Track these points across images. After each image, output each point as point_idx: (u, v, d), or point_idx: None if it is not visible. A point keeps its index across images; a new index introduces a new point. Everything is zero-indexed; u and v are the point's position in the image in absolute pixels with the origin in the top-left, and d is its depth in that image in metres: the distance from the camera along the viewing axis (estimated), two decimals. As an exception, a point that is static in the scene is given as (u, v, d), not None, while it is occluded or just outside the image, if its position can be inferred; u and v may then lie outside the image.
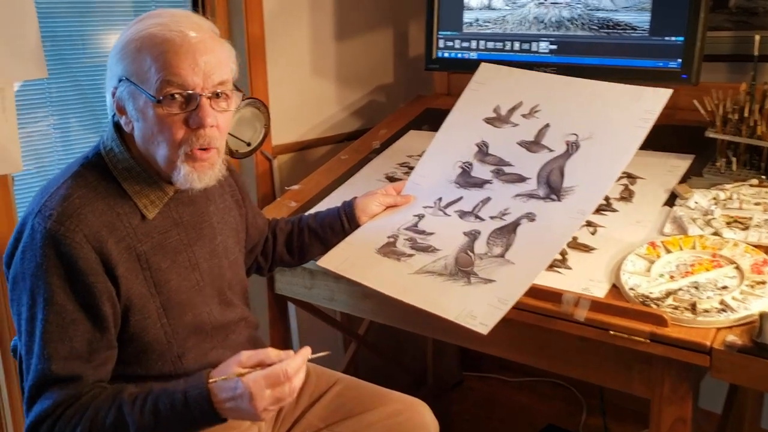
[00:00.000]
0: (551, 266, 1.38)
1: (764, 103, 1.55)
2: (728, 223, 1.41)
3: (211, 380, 1.09)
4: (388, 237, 1.52)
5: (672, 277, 1.30)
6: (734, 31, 1.90)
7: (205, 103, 1.16)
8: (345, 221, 1.56)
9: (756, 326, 1.14)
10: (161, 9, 1.23)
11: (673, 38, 1.71)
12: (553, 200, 1.46)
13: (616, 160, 1.43)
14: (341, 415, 1.43)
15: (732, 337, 1.15)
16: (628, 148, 1.42)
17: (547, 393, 2.56)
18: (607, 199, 1.57)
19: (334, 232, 1.55)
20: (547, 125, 1.59)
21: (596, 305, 1.27)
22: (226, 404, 1.08)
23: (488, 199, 1.54)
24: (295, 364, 1.10)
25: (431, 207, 1.58)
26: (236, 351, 1.32)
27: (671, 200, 1.54)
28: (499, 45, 1.97)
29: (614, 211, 1.54)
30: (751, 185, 1.51)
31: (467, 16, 2.02)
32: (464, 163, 1.63)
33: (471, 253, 1.42)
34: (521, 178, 1.54)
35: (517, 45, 1.94)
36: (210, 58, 1.16)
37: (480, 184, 1.58)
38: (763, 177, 1.54)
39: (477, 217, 1.51)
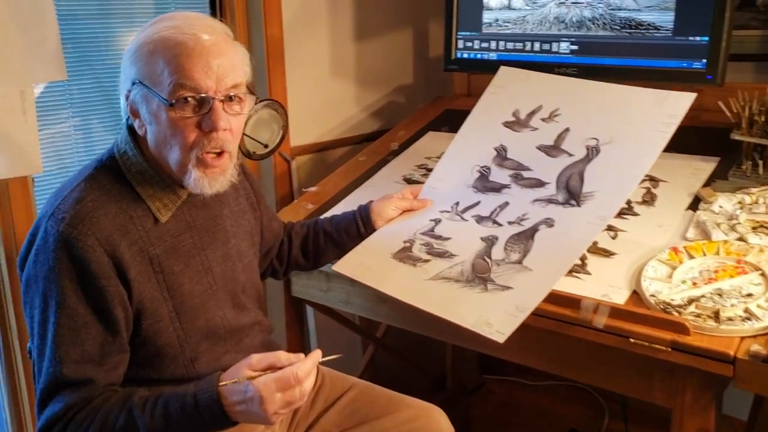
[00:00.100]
0: (570, 271, 1.35)
1: (792, 105, 1.52)
2: (754, 228, 1.38)
3: (221, 383, 1.09)
4: (404, 242, 1.51)
5: (695, 283, 1.28)
6: (761, 30, 1.86)
7: (218, 106, 1.16)
8: (361, 225, 1.55)
9: (782, 336, 1.11)
10: (175, 12, 1.23)
11: (698, 38, 1.68)
12: (573, 206, 1.43)
13: (637, 165, 1.40)
14: (356, 420, 1.42)
15: (756, 347, 1.12)
16: (649, 154, 1.39)
17: (569, 397, 2.53)
18: (628, 202, 1.54)
19: (349, 236, 1.54)
20: (567, 129, 1.56)
21: (616, 312, 1.24)
22: (236, 407, 1.07)
23: (506, 204, 1.52)
24: (305, 367, 1.09)
25: (448, 211, 1.56)
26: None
27: (695, 204, 1.51)
28: (519, 45, 1.94)
29: (636, 214, 1.52)
30: (778, 189, 1.48)
31: (487, 17, 1.99)
32: (482, 167, 1.61)
33: (488, 259, 1.39)
34: (540, 183, 1.51)
35: (537, 45, 1.91)
36: (223, 61, 1.16)
37: (498, 188, 1.56)
38: (791, 181, 1.50)
39: (494, 222, 1.49)
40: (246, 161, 2.04)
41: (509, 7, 1.95)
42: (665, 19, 1.71)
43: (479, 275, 1.37)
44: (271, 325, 1.44)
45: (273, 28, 2.07)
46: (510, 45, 1.96)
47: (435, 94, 2.38)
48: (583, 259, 1.39)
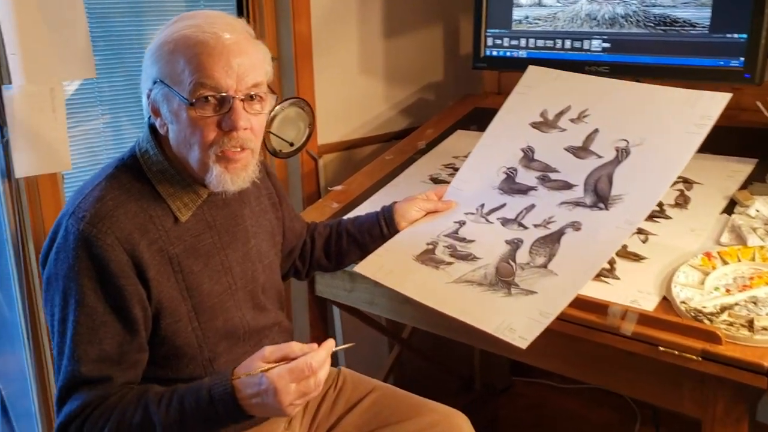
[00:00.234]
0: (598, 275, 1.33)
1: (834, 105, 1.46)
2: (792, 234, 1.33)
3: (235, 377, 1.08)
4: (427, 244, 1.49)
5: (728, 290, 1.24)
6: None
7: (238, 105, 1.15)
8: (384, 226, 1.54)
9: (818, 348, 1.06)
10: (196, 11, 1.22)
11: (735, 35, 1.62)
12: (600, 209, 1.40)
13: (669, 168, 1.36)
14: (377, 423, 1.40)
15: (792, 359, 1.08)
16: (681, 156, 1.35)
17: (599, 401, 2.49)
18: (660, 205, 1.51)
19: (372, 238, 1.53)
20: (596, 130, 1.53)
21: (644, 319, 1.21)
22: (251, 400, 1.07)
23: (532, 206, 1.49)
24: (319, 357, 1.08)
25: (473, 213, 1.54)
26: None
27: (730, 207, 1.47)
28: (550, 43, 1.90)
29: (668, 218, 1.48)
30: (818, 193, 1.42)
31: (517, 13, 1.96)
32: (509, 168, 1.58)
33: (512, 263, 1.37)
34: (567, 185, 1.48)
35: (568, 43, 1.87)
36: (244, 60, 1.15)
37: (524, 190, 1.53)
38: (832, 185, 1.45)
39: (520, 225, 1.46)
40: (264, 161, 2.04)
41: (540, 4, 1.91)
42: (701, 15, 1.66)
43: (503, 279, 1.34)
44: (292, 327, 1.43)
45: (301, 25, 2.06)
46: (540, 42, 1.92)
47: (465, 91, 2.36)
48: (611, 263, 1.36)
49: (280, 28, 2.07)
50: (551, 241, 1.39)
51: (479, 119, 2.05)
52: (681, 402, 1.24)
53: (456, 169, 1.70)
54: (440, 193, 1.62)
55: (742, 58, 1.61)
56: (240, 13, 1.81)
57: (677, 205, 1.51)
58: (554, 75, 1.66)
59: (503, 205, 1.52)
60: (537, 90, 1.67)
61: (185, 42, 1.14)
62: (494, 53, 2.02)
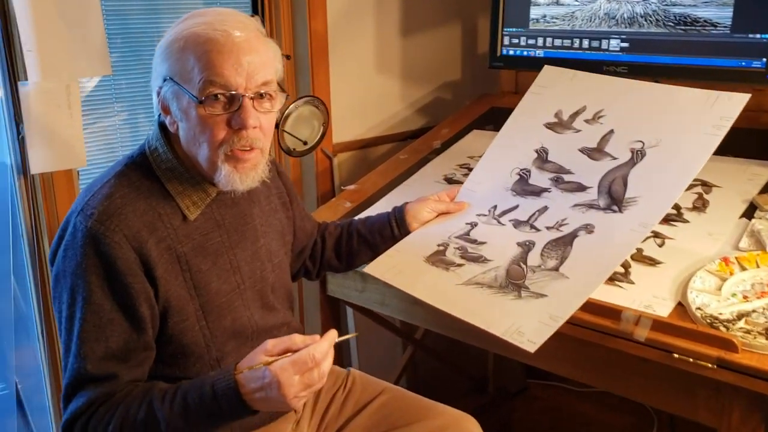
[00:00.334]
0: (612, 280, 1.30)
1: None
2: (813, 241, 1.30)
3: (237, 371, 1.07)
4: (438, 245, 1.47)
5: (745, 297, 1.21)
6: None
7: (247, 103, 1.15)
8: (395, 227, 1.52)
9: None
10: (206, 8, 1.22)
11: (758, 35, 1.58)
12: (614, 211, 1.38)
13: (685, 170, 1.33)
14: (385, 426, 1.39)
15: (811, 369, 1.05)
16: (698, 158, 1.32)
17: (616, 405, 2.45)
18: (678, 208, 1.48)
19: (383, 238, 1.52)
20: (612, 131, 1.50)
21: (658, 325, 1.19)
22: (255, 395, 1.06)
23: (545, 208, 1.47)
24: (322, 348, 1.07)
25: (485, 215, 1.52)
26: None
27: (750, 212, 1.44)
28: (567, 42, 1.87)
29: (685, 221, 1.45)
30: (841, 198, 1.39)
31: (534, 12, 1.93)
32: (522, 169, 1.56)
33: (523, 265, 1.35)
34: (581, 187, 1.46)
35: (586, 42, 1.84)
36: (254, 58, 1.15)
37: (538, 192, 1.51)
38: None
39: (532, 227, 1.44)
40: (285, 157, 2.04)
41: (557, 3, 1.88)
42: (723, 15, 1.62)
43: (513, 282, 1.32)
44: (301, 327, 1.42)
45: (317, 23, 2.05)
46: (557, 42, 1.89)
47: (483, 91, 2.33)
48: (626, 267, 1.34)
49: (296, 26, 2.06)
50: (563, 243, 1.37)
51: (495, 119, 2.03)
52: (695, 410, 1.21)
53: (471, 170, 1.69)
54: (452, 194, 1.60)
55: (765, 59, 1.58)
56: (255, 11, 1.80)
57: (695, 208, 1.48)
58: (570, 75, 1.64)
59: (516, 207, 1.50)
60: (552, 90, 1.64)
61: (195, 39, 1.14)
62: (511, 52, 2.00)
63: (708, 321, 1.17)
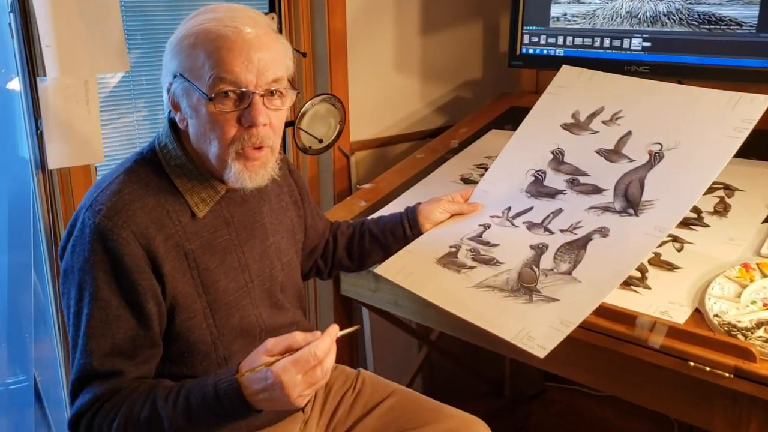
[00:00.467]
0: (628, 284, 1.28)
1: None
2: (838, 247, 1.26)
3: (239, 374, 1.06)
4: (450, 247, 1.45)
5: (765, 305, 1.18)
6: None
7: (257, 101, 1.14)
8: (407, 227, 1.51)
9: None
10: (218, 4, 1.21)
11: (785, 35, 1.54)
12: (630, 215, 1.35)
13: (703, 173, 1.29)
14: (394, 428, 1.38)
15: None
16: (717, 161, 1.29)
17: (635, 410, 2.41)
18: (698, 212, 1.45)
19: (395, 239, 1.50)
20: (629, 133, 1.47)
21: (674, 332, 1.16)
22: (258, 396, 1.05)
23: (560, 210, 1.44)
24: (323, 345, 1.05)
25: (499, 217, 1.50)
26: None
27: (773, 217, 1.40)
28: (588, 41, 1.84)
29: (705, 226, 1.42)
30: None
31: (555, 10, 1.90)
32: (537, 171, 1.54)
33: (536, 269, 1.33)
34: (597, 190, 1.43)
35: (607, 42, 1.80)
36: (264, 55, 1.14)
37: (552, 194, 1.48)
38: None
39: (546, 229, 1.42)
40: (302, 155, 2.03)
41: (578, 1, 1.85)
42: (749, 14, 1.57)
43: (525, 285, 1.30)
44: (311, 326, 1.41)
45: (336, 21, 2.04)
46: (578, 41, 1.86)
47: (503, 90, 2.31)
48: (643, 271, 1.32)
49: (314, 24, 2.05)
50: (577, 247, 1.34)
51: (515, 119, 2.00)
52: (711, 420, 1.18)
53: (488, 170, 1.66)
54: (466, 195, 1.58)
55: (791, 60, 1.54)
56: (272, 8, 1.79)
57: (716, 212, 1.45)
58: (588, 75, 1.61)
59: (530, 209, 1.48)
60: (569, 90, 1.62)
61: (206, 36, 1.13)
62: (531, 51, 1.97)
63: (726, 329, 1.14)
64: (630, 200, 1.37)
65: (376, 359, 2.18)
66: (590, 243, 1.34)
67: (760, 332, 1.12)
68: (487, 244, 1.44)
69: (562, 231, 1.39)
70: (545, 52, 1.94)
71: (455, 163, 1.89)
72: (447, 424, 1.36)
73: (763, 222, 1.39)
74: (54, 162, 1.64)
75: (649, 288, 1.28)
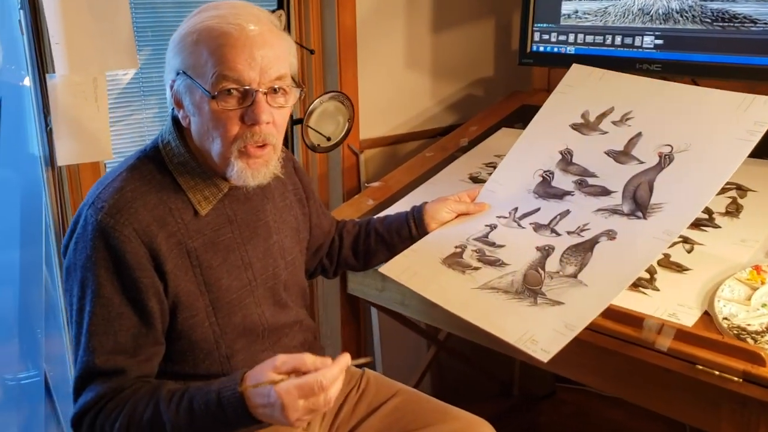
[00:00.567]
0: (637, 286, 1.27)
1: None
2: None
3: (244, 386, 1.06)
4: (456, 247, 1.44)
5: (776, 308, 1.16)
6: None
7: (261, 99, 1.13)
8: (413, 227, 1.50)
9: None
10: (221, 1, 1.20)
11: (802, 33, 1.51)
12: (638, 218, 1.32)
13: (714, 177, 1.27)
14: (398, 428, 1.37)
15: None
16: (728, 165, 1.26)
17: (647, 412, 2.36)
18: (709, 212, 1.42)
19: (401, 238, 1.49)
20: (639, 134, 1.45)
21: (682, 334, 1.15)
22: (258, 410, 1.05)
23: (567, 212, 1.42)
24: (330, 375, 1.04)
25: (505, 217, 1.48)
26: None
27: (787, 219, 1.37)
28: (599, 39, 1.81)
29: (717, 226, 1.40)
30: None
31: (566, 7, 1.87)
32: (545, 171, 1.52)
33: (541, 271, 1.31)
34: (605, 191, 1.41)
35: (618, 39, 1.77)
36: (267, 52, 1.13)
37: (560, 195, 1.46)
38: None
39: (553, 231, 1.40)
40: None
41: (590, -2, 1.83)
42: (763, 11, 1.54)
43: (530, 287, 1.29)
44: (315, 325, 1.41)
45: (346, 18, 2.03)
46: (589, 38, 1.83)
47: (516, 88, 2.28)
48: (651, 273, 1.30)
49: (324, 20, 2.04)
50: (584, 249, 1.32)
51: (526, 117, 1.97)
52: (718, 424, 1.17)
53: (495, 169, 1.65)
54: (473, 194, 1.57)
55: (808, 59, 1.51)
56: (280, 5, 1.78)
57: (728, 213, 1.42)
58: (599, 74, 1.58)
59: (537, 210, 1.46)
60: (579, 90, 1.59)
61: (209, 33, 1.12)
62: (541, 49, 1.94)
63: (735, 332, 1.12)
64: (639, 203, 1.34)
65: (385, 359, 2.18)
66: (597, 246, 1.32)
67: (771, 337, 1.10)
68: (492, 244, 1.43)
69: (569, 233, 1.38)
70: (556, 49, 1.91)
71: (464, 162, 1.87)
72: (452, 425, 1.35)
73: (776, 224, 1.37)
74: (63, 159, 1.65)
75: (658, 290, 1.27)
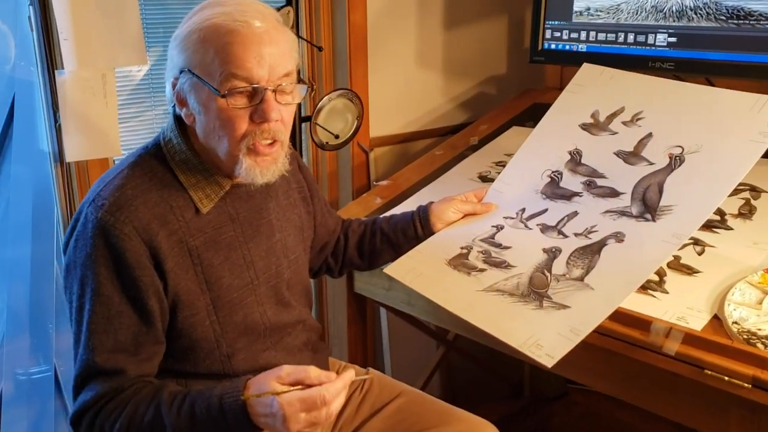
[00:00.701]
0: (645, 288, 1.25)
1: None
2: None
3: (246, 395, 1.05)
4: (461, 248, 1.42)
5: (789, 313, 1.14)
6: None
7: (270, 96, 1.13)
8: (419, 227, 1.48)
9: None
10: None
11: (818, 32, 1.47)
12: (647, 220, 1.30)
13: (725, 180, 1.24)
14: (401, 430, 1.37)
15: None
16: (740, 167, 1.24)
17: (658, 414, 2.36)
18: (721, 214, 1.40)
19: (406, 238, 1.48)
20: (650, 135, 1.42)
21: (690, 338, 1.13)
22: (260, 418, 1.05)
23: (575, 213, 1.40)
24: (334, 389, 1.04)
25: (512, 218, 1.47)
26: (290, 354, 1.29)
27: (801, 221, 1.35)
28: (612, 37, 1.78)
29: (729, 228, 1.37)
30: None
31: (578, 4, 1.84)
32: (554, 172, 1.49)
33: (548, 273, 1.29)
34: (614, 193, 1.39)
35: (631, 37, 1.74)
36: (274, 50, 1.12)
37: (568, 196, 1.44)
38: None
39: (560, 233, 1.38)
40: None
41: (603, -6, 1.80)
42: (780, 9, 1.51)
43: (536, 290, 1.27)
44: (318, 325, 1.40)
45: (357, 15, 2.02)
46: (601, 36, 1.80)
47: (528, 86, 2.26)
48: (661, 275, 1.28)
49: (335, 18, 2.03)
50: (591, 252, 1.30)
51: (537, 115, 1.94)
52: (728, 430, 1.15)
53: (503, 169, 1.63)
54: (480, 194, 1.55)
55: (825, 57, 1.47)
56: (289, 1, 1.77)
57: (741, 215, 1.40)
58: (610, 74, 1.56)
59: (545, 211, 1.44)
60: (590, 89, 1.57)
61: (216, 31, 1.11)
62: (553, 46, 1.92)
63: (745, 337, 1.10)
64: (648, 205, 1.32)
65: (394, 358, 2.16)
66: (605, 248, 1.30)
67: (782, 342, 1.08)
68: (499, 246, 1.41)
69: (576, 235, 1.35)
70: (568, 47, 1.89)
71: (474, 161, 1.86)
72: (456, 427, 1.35)
73: (789, 226, 1.34)
74: (71, 155, 1.65)
75: (667, 292, 1.25)
